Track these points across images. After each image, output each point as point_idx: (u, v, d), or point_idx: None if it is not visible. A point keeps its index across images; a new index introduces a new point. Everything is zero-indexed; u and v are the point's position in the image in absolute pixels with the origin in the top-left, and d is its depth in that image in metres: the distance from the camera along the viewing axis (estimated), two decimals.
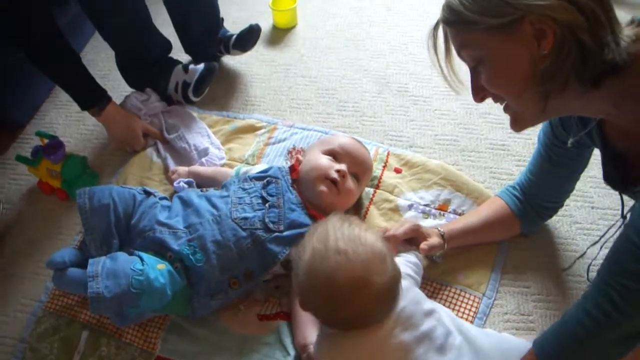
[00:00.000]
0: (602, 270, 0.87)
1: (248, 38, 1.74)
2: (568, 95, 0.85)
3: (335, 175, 1.27)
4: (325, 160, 1.30)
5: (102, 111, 1.50)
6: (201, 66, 1.66)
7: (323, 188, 1.26)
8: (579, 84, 0.83)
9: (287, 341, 1.19)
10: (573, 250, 1.35)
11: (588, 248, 1.24)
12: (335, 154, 1.32)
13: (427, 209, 1.41)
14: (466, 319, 1.22)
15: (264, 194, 1.26)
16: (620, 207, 1.10)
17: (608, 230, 1.17)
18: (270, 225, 1.20)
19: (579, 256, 1.27)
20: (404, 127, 1.63)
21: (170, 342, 1.21)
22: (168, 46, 1.72)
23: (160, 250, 1.18)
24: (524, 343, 1.04)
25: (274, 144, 1.57)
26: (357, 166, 1.33)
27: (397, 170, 1.49)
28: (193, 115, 1.63)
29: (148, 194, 1.30)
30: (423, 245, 1.21)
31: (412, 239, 1.24)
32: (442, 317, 1.06)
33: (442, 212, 1.41)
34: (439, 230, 1.27)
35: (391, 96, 1.73)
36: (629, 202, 1.03)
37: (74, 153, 1.49)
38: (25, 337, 1.25)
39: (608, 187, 1.45)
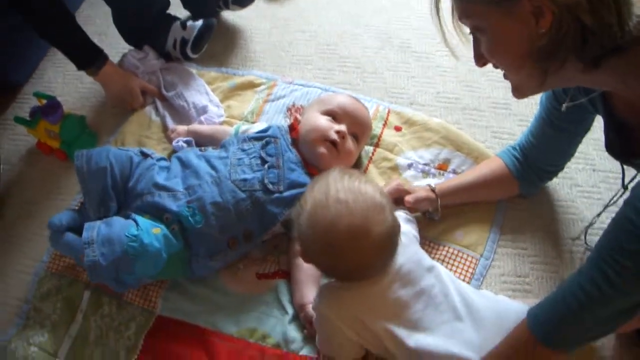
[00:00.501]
0: (599, 245, 0.87)
1: None
2: (568, 72, 0.84)
3: (335, 136, 1.26)
4: (324, 121, 1.29)
5: (99, 70, 1.47)
6: (199, 22, 1.61)
7: (322, 150, 1.25)
8: (578, 62, 0.82)
9: (285, 300, 1.21)
10: (572, 213, 1.35)
11: (594, 218, 1.24)
12: (334, 114, 1.30)
13: (427, 168, 1.40)
14: (463, 280, 1.23)
15: (263, 155, 1.25)
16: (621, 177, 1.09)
17: (611, 200, 1.16)
18: (270, 187, 1.20)
19: (588, 226, 1.26)
20: (405, 84, 1.60)
21: (171, 301, 1.23)
22: (166, 2, 1.67)
23: (157, 212, 1.18)
24: (520, 307, 1.05)
25: (273, 100, 1.55)
26: (357, 126, 1.32)
27: (397, 129, 1.48)
28: (191, 72, 1.60)
29: (145, 155, 1.29)
30: (408, 197, 1.22)
31: (399, 199, 1.24)
32: (441, 275, 1.07)
33: (441, 172, 1.40)
34: (430, 186, 1.27)
35: (392, 52, 1.69)
36: (630, 171, 1.02)
37: (72, 113, 1.48)
38: (29, 297, 1.28)
39: None
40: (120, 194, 1.23)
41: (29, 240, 1.37)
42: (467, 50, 0.95)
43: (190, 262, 1.20)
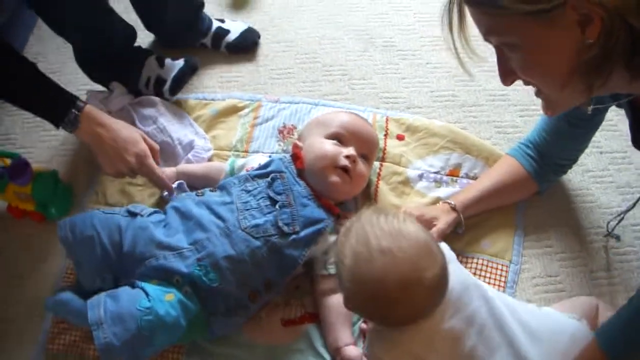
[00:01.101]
0: None
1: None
2: (613, 83, 0.76)
3: (345, 162, 1.16)
4: (330, 146, 1.19)
5: (76, 125, 1.16)
6: (180, 62, 1.46)
7: (335, 179, 1.16)
8: (626, 72, 0.74)
9: (319, 345, 1.12)
10: (589, 202, 1.33)
11: (622, 214, 1.20)
12: (339, 137, 1.21)
13: (438, 176, 1.33)
14: (498, 290, 1.18)
15: (271, 194, 1.14)
16: None
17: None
18: (285, 229, 1.10)
19: (619, 220, 1.22)
20: (397, 87, 1.52)
21: None
22: (132, 33, 1.49)
23: (165, 276, 1.06)
24: (568, 322, 1.02)
25: (261, 124, 1.43)
26: (365, 145, 1.23)
27: (400, 137, 1.40)
28: (169, 103, 1.45)
29: (134, 214, 1.15)
30: (435, 237, 1.11)
31: None
32: (487, 293, 1.01)
33: (454, 178, 1.33)
34: (450, 204, 1.21)
35: (377, 53, 1.59)
36: None
37: (41, 169, 1.31)
38: None
39: (613, 129, 1.42)
40: (115, 262, 1.10)
41: (17, 321, 1.21)
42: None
43: (209, 322, 1.09)
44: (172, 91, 1.46)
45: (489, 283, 1.19)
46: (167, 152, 1.38)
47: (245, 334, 1.14)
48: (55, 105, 1.16)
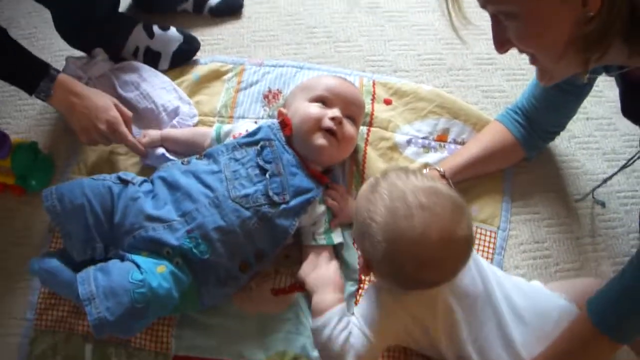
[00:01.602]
0: None
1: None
2: (611, 57, 0.75)
3: (330, 123, 1.14)
4: (314, 108, 1.16)
5: (49, 93, 1.15)
6: (176, 35, 1.40)
7: (321, 141, 1.14)
8: (624, 47, 0.73)
9: (308, 314, 1.12)
10: (575, 168, 1.34)
11: (603, 181, 1.22)
12: (323, 99, 1.18)
13: (426, 141, 1.32)
14: (487, 257, 1.20)
15: (261, 162, 1.12)
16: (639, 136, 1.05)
17: (629, 161, 1.13)
18: (275, 198, 1.08)
19: (596, 186, 1.25)
20: (383, 50, 1.48)
21: (185, 338, 1.12)
22: None
23: (155, 247, 1.04)
24: (556, 303, 1.03)
25: (245, 88, 1.39)
26: (351, 107, 1.20)
27: (387, 102, 1.37)
28: (151, 68, 1.39)
29: (125, 182, 1.12)
30: None
31: None
32: (483, 268, 1.03)
33: (442, 144, 1.33)
34: (439, 170, 1.20)
35: (362, 14, 1.55)
36: None
37: (21, 141, 1.26)
38: None
39: (599, 95, 1.42)
40: (105, 231, 1.07)
41: (8, 295, 1.18)
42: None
43: (199, 292, 1.08)
44: (171, 67, 1.42)
45: (477, 250, 1.20)
46: (151, 119, 1.34)
47: (236, 304, 1.14)
48: (28, 74, 1.15)
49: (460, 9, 0.80)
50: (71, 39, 1.39)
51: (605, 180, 1.22)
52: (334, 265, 1.13)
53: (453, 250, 0.86)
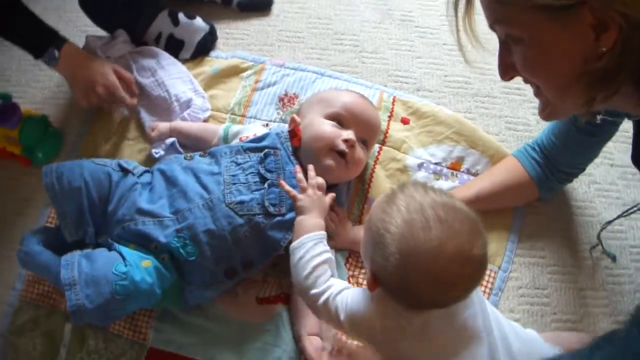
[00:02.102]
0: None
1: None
2: (620, 102, 0.71)
3: (343, 146, 1.10)
4: (329, 127, 1.13)
5: (56, 59, 1.20)
6: (199, 22, 1.39)
7: (330, 162, 1.10)
8: (636, 93, 0.69)
9: (288, 329, 1.10)
10: (590, 215, 1.27)
11: (606, 224, 1.17)
12: (340, 118, 1.14)
13: (439, 168, 1.28)
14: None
15: (262, 170, 1.09)
16: None
17: (629, 210, 1.09)
18: (271, 209, 1.06)
19: (602, 228, 1.18)
20: (410, 66, 1.44)
21: (163, 332, 1.11)
22: None
23: (143, 241, 1.04)
24: (551, 352, 0.98)
25: (262, 89, 1.37)
26: (366, 130, 1.16)
27: (405, 121, 1.33)
28: (169, 56, 1.37)
29: (125, 171, 1.11)
30: None
31: None
32: (484, 304, 0.98)
33: (454, 172, 1.28)
34: None
35: (394, 27, 1.50)
36: None
37: (32, 113, 1.27)
38: (4, 332, 1.13)
39: (629, 142, 1.36)
40: (98, 216, 1.07)
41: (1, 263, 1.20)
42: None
43: (183, 291, 1.07)
44: (192, 57, 1.41)
45: None
46: (163, 107, 1.33)
47: (219, 307, 1.12)
48: (37, 39, 1.21)
49: (471, 27, 0.76)
50: (95, 17, 1.38)
51: (607, 223, 1.16)
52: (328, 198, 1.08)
53: (467, 268, 0.82)
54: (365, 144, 1.16)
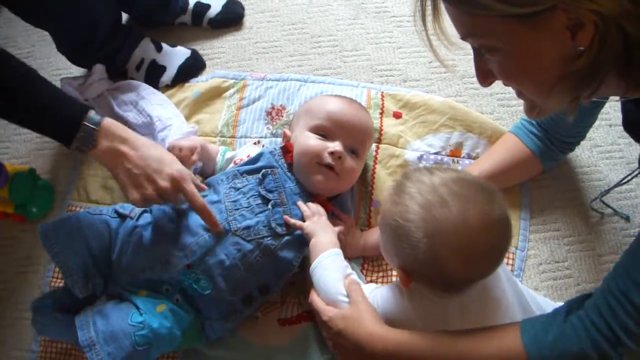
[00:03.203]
0: (609, 281, 0.76)
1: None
2: (604, 91, 0.71)
3: (328, 160, 1.07)
4: (314, 141, 1.09)
5: (91, 145, 0.96)
6: (181, 49, 1.36)
7: (319, 177, 1.07)
8: (623, 82, 0.68)
9: (315, 345, 1.07)
10: (597, 179, 1.26)
11: (608, 189, 1.17)
12: (325, 130, 1.10)
13: (439, 157, 1.26)
14: None
15: (262, 192, 1.06)
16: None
17: (625, 178, 1.09)
18: (278, 230, 1.03)
19: (603, 192, 1.19)
20: (393, 58, 1.41)
21: None
22: (118, 11, 1.36)
23: (155, 285, 1.02)
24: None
25: (247, 105, 1.34)
26: (354, 138, 1.11)
27: (397, 115, 1.31)
28: (150, 87, 1.34)
29: (123, 216, 1.08)
30: None
31: None
32: (512, 279, 0.98)
33: (455, 159, 1.26)
34: None
35: (370, 20, 1.47)
36: None
37: (18, 169, 1.23)
38: None
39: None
40: (104, 267, 1.04)
41: (10, 327, 1.17)
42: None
43: (203, 327, 1.05)
44: (173, 82, 1.37)
45: None
46: (147, 133, 1.28)
47: (241, 334, 1.10)
48: (65, 123, 0.95)
49: (442, 32, 0.76)
50: (74, 57, 1.35)
51: (611, 188, 1.17)
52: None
53: (494, 231, 0.82)
54: (356, 152, 1.11)
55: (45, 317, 1.02)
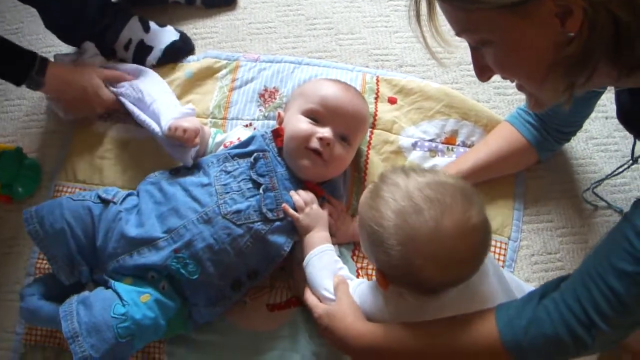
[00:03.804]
0: (587, 264, 0.76)
1: None
2: (600, 80, 0.71)
3: (316, 145, 1.05)
4: (304, 125, 1.06)
5: (42, 79, 1.14)
6: (170, 30, 1.33)
7: (305, 162, 1.05)
8: (612, 70, 0.68)
9: (304, 330, 1.07)
10: (592, 172, 1.25)
11: (600, 180, 1.18)
12: (316, 115, 1.07)
13: (433, 144, 1.24)
14: None
15: (254, 175, 1.04)
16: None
17: (617, 170, 1.12)
18: (269, 215, 1.02)
19: (594, 184, 1.19)
20: (389, 42, 1.39)
21: (177, 356, 1.07)
22: None
23: (140, 272, 1.00)
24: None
25: (240, 87, 1.31)
26: (346, 125, 1.08)
27: (392, 101, 1.29)
28: (141, 67, 1.30)
29: (106, 202, 1.05)
30: None
31: None
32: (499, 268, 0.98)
33: (450, 147, 1.24)
34: None
35: (366, 4, 1.44)
36: None
37: (4, 147, 1.20)
38: None
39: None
40: (89, 253, 1.03)
41: None
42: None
43: (190, 314, 1.04)
44: (159, 62, 1.34)
45: None
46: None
47: (229, 319, 1.09)
48: (16, 66, 1.13)
49: (437, 31, 0.77)
50: (62, 34, 1.32)
51: (602, 179, 1.17)
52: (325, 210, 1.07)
53: (470, 239, 0.80)
54: (347, 139, 1.09)
55: (31, 305, 1.01)
